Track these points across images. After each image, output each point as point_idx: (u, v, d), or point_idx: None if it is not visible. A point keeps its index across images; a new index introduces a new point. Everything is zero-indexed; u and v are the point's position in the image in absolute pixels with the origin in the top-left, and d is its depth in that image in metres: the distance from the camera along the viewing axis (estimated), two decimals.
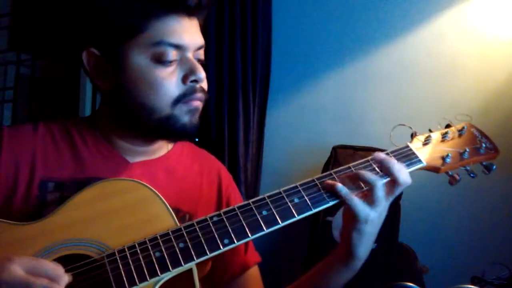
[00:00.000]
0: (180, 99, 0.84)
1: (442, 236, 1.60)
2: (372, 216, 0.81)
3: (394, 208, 1.47)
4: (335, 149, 1.63)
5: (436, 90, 1.68)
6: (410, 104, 1.71)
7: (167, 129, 0.85)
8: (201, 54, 0.90)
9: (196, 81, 0.85)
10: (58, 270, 0.62)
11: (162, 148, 0.97)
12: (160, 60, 0.82)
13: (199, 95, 0.86)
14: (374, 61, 1.78)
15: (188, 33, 0.85)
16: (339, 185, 0.81)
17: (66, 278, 0.63)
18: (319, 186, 0.83)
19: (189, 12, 0.85)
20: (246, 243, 0.99)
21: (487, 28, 1.63)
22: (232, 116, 1.75)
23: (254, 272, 1.00)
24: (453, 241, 1.59)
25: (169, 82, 0.83)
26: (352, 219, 0.82)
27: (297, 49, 1.91)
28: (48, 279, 0.61)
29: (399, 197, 1.47)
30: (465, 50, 1.66)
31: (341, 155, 1.60)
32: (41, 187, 0.82)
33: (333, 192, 0.81)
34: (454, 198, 1.57)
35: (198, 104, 0.86)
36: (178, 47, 0.83)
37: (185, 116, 0.85)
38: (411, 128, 0.98)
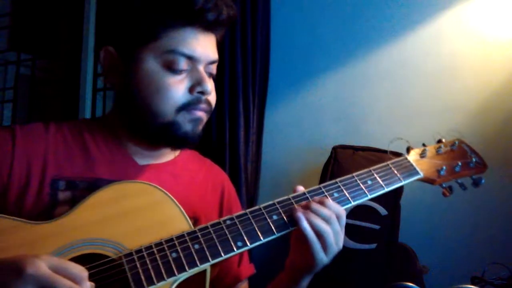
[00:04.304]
0: (184, 107, 0.86)
1: (442, 236, 1.60)
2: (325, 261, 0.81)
3: (394, 208, 1.47)
4: (335, 149, 1.63)
5: (436, 90, 1.68)
6: (410, 104, 1.71)
7: (169, 135, 0.87)
8: (213, 68, 0.93)
9: (202, 92, 0.88)
10: (82, 273, 0.63)
11: (169, 153, 0.99)
12: (171, 68, 0.85)
13: (203, 106, 0.89)
14: (374, 61, 1.78)
15: (201, 46, 0.88)
16: (303, 219, 0.79)
17: (88, 283, 0.63)
18: (326, 194, 0.86)
19: (206, 27, 0.88)
20: (241, 255, 1.02)
21: (487, 28, 1.63)
22: (233, 117, 1.75)
23: (243, 286, 1.02)
24: (453, 241, 1.59)
25: (176, 89, 0.85)
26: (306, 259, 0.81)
27: (297, 49, 1.90)
28: (71, 280, 0.61)
29: (399, 197, 1.47)
30: (465, 50, 1.65)
31: (341, 155, 1.60)
32: (53, 185, 0.83)
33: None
34: (454, 198, 1.56)
35: (201, 114, 0.89)
36: (190, 58, 0.86)
37: (188, 124, 0.87)
38: (407, 142, 1.03)
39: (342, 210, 0.82)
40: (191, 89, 0.87)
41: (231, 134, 1.75)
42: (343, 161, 1.58)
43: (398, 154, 1.47)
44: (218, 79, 1.77)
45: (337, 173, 1.56)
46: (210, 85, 0.90)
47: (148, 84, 0.85)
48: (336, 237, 0.80)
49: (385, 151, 1.56)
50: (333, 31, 1.85)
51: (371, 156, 1.57)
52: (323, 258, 0.79)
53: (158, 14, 0.86)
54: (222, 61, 1.77)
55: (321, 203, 0.81)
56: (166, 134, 0.87)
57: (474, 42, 1.65)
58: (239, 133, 1.73)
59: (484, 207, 1.56)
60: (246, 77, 1.77)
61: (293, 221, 0.80)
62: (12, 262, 0.60)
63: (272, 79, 1.85)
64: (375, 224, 1.44)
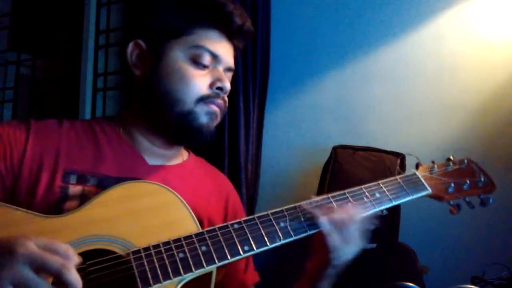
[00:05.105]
0: (203, 99, 0.92)
1: (442, 236, 1.60)
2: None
3: (394, 208, 1.47)
4: (335, 149, 1.63)
5: (436, 90, 1.68)
6: (410, 104, 1.71)
7: (185, 125, 0.91)
8: (229, 77, 1.00)
9: (221, 89, 0.94)
10: (69, 250, 0.64)
11: (178, 156, 1.03)
12: (196, 61, 0.92)
13: (220, 102, 0.95)
14: (374, 61, 1.78)
15: (224, 50, 0.96)
16: (324, 220, 0.83)
17: (76, 259, 0.64)
18: (334, 204, 0.87)
19: (230, 33, 0.97)
20: (247, 262, 1.04)
21: (487, 28, 1.63)
22: (233, 117, 1.75)
23: None
24: (453, 241, 1.59)
25: (198, 81, 0.91)
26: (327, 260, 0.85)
27: (297, 49, 1.91)
28: (60, 257, 0.62)
29: None
30: (465, 50, 1.66)
31: (341, 155, 1.60)
32: (64, 178, 0.84)
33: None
34: None
35: (217, 109, 0.94)
36: (214, 56, 0.94)
37: (204, 116, 0.92)
38: (417, 158, 1.04)
39: (359, 215, 0.86)
40: (211, 85, 0.93)
41: (231, 134, 1.75)
42: (343, 161, 1.58)
43: (396, 154, 1.49)
44: None
45: (337, 173, 1.56)
46: (229, 85, 0.95)
47: (173, 74, 0.91)
48: (351, 237, 0.84)
49: (385, 151, 1.57)
50: (333, 31, 1.85)
51: (371, 156, 1.57)
52: (340, 256, 0.84)
53: (192, 12, 0.93)
54: None
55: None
56: (182, 124, 0.91)
57: (474, 42, 1.65)
58: (239, 133, 1.73)
59: (484, 207, 1.56)
60: (246, 77, 1.77)
61: (300, 230, 0.82)
62: (4, 243, 0.61)
63: (273, 79, 1.85)
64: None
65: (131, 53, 0.96)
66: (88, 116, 2.19)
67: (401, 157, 1.52)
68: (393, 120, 1.72)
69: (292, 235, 0.81)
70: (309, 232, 0.83)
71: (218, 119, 0.97)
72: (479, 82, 1.63)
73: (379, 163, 1.52)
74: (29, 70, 2.52)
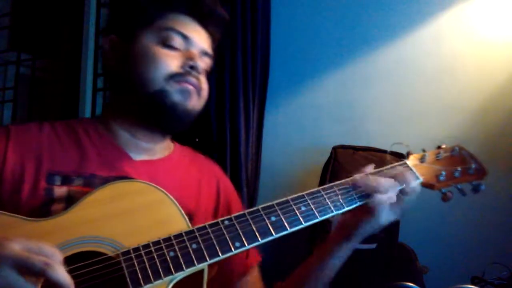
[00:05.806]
0: (173, 77, 0.90)
1: (442, 236, 1.60)
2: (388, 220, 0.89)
3: None
4: (335, 149, 1.63)
5: (435, 90, 1.68)
6: (410, 104, 1.71)
7: (158, 104, 0.90)
8: (206, 62, 0.98)
9: (192, 67, 0.92)
10: (54, 250, 0.63)
11: (164, 149, 1.01)
12: (165, 43, 0.92)
13: (193, 80, 0.92)
14: (374, 61, 1.78)
15: (196, 33, 0.96)
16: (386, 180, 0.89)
17: (60, 258, 0.63)
18: (325, 196, 0.87)
19: (202, 19, 0.97)
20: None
21: (487, 28, 1.63)
22: (233, 117, 1.75)
23: (255, 272, 1.04)
24: (453, 241, 1.59)
25: (167, 60, 0.91)
26: (365, 217, 0.88)
27: (297, 49, 1.91)
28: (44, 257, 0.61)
29: None
30: (465, 50, 1.66)
31: (341, 155, 1.60)
32: (49, 180, 0.83)
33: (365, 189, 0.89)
34: (454, 198, 1.57)
35: (190, 87, 0.92)
36: (184, 37, 0.93)
37: (176, 94, 0.90)
38: (407, 146, 1.03)
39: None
40: (182, 64, 0.92)
41: (231, 134, 1.75)
42: (343, 161, 1.58)
43: (398, 155, 1.48)
44: (218, 79, 1.78)
45: (337, 173, 1.56)
46: (201, 63, 0.94)
47: (143, 56, 0.91)
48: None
49: (385, 151, 1.56)
50: (333, 31, 1.85)
51: (371, 156, 1.57)
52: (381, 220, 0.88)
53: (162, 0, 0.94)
54: (222, 61, 1.77)
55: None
56: (155, 104, 0.90)
57: (474, 42, 1.65)
58: (239, 133, 1.73)
59: (484, 207, 1.56)
60: (246, 77, 1.77)
61: (291, 223, 0.81)
62: None
63: (273, 79, 1.85)
64: None
65: (107, 47, 0.97)
66: (88, 116, 2.19)
67: (400, 156, 1.52)
68: (393, 120, 1.72)
69: (287, 228, 0.81)
70: (304, 225, 0.82)
71: (195, 98, 0.93)
72: (479, 82, 1.63)
73: (380, 163, 1.52)
74: (29, 70, 2.53)
